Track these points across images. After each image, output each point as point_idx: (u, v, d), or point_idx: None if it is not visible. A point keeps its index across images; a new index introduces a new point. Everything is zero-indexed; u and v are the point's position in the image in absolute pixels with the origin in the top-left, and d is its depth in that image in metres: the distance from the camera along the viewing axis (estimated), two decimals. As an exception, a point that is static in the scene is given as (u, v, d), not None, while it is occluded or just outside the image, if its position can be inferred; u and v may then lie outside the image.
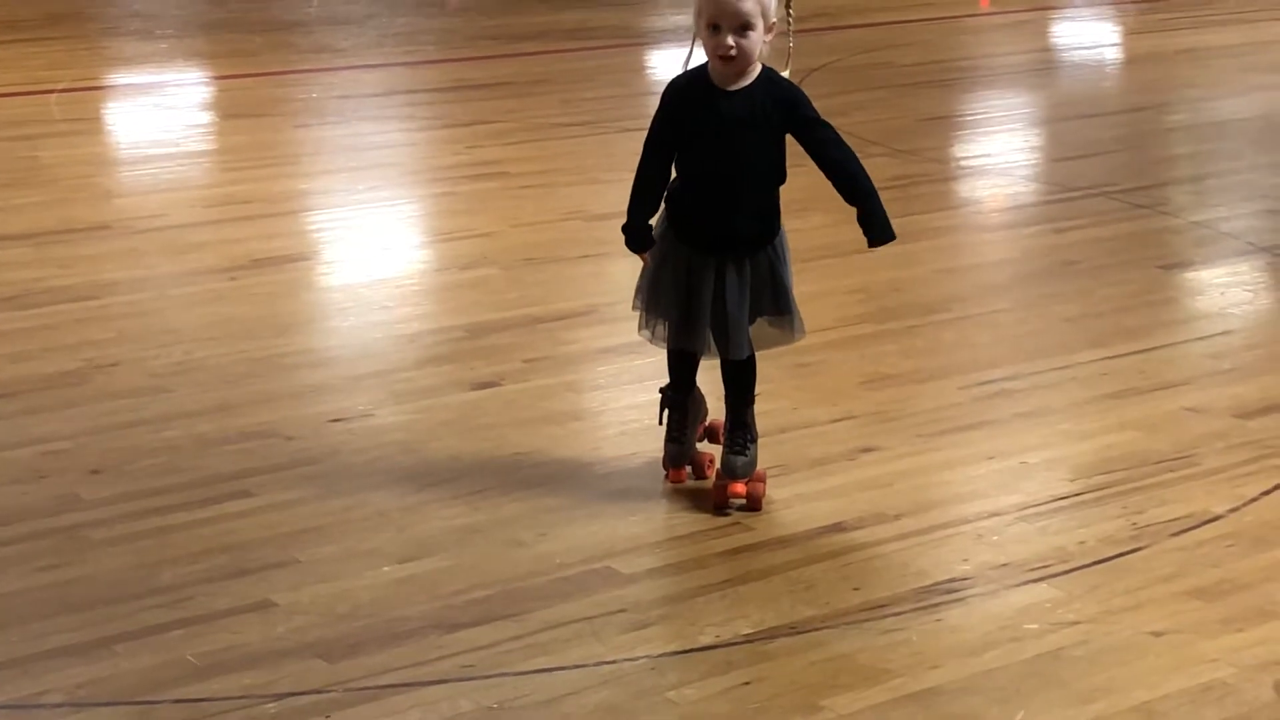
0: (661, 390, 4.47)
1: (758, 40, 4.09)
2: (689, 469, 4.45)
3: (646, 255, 4.26)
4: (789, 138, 4.21)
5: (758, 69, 4.16)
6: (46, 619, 3.75)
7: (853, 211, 4.26)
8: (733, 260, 4.22)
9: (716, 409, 4.48)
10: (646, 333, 4.39)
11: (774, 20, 4.12)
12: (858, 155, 4.24)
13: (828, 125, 4.21)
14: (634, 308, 4.39)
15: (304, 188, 7.67)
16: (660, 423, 4.46)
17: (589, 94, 9.61)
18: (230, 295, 6.02)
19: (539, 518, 4.24)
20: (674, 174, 4.26)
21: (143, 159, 8.25)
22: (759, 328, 4.32)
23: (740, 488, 4.29)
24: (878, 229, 4.22)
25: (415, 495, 4.38)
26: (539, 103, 9.34)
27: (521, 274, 6.25)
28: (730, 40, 4.06)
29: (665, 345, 4.39)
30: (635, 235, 4.24)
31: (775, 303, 4.30)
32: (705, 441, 4.54)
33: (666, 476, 4.45)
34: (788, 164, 4.22)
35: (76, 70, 10.19)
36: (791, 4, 4.19)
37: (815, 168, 4.24)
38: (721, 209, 4.19)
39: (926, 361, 5.36)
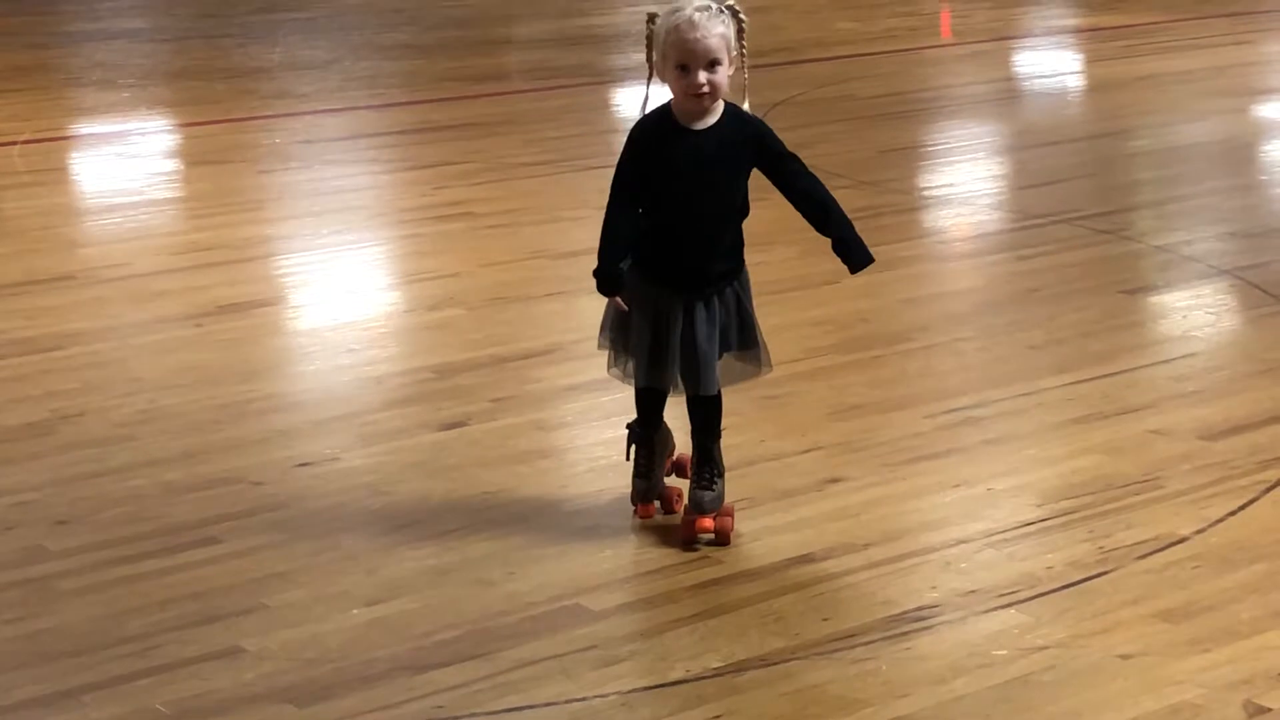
0: (629, 426, 4.47)
1: (725, 74, 4.11)
2: (657, 504, 4.45)
3: (618, 299, 4.24)
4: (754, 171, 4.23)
5: (721, 105, 4.17)
6: (14, 671, 3.74)
7: (819, 242, 4.27)
8: (701, 297, 4.22)
9: (684, 443, 4.49)
10: (616, 370, 4.39)
11: (733, 53, 4.14)
12: (825, 185, 4.25)
13: (795, 157, 4.23)
14: (600, 346, 4.39)
15: (268, 233, 7.67)
16: (628, 458, 4.46)
17: (553, 133, 9.63)
18: (196, 342, 6.01)
19: (508, 556, 4.24)
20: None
21: (107, 208, 8.23)
22: (726, 363, 4.33)
23: (708, 522, 4.28)
24: (856, 255, 4.22)
25: (384, 537, 4.37)
26: (503, 143, 9.35)
27: (488, 314, 6.26)
28: (702, 78, 4.07)
29: (634, 383, 4.40)
30: (606, 279, 4.19)
31: (742, 338, 4.32)
32: (673, 476, 4.54)
33: (635, 512, 4.45)
34: (750, 198, 4.24)
35: (39, 121, 10.17)
36: (745, 36, 4.19)
37: (780, 201, 4.25)
38: (694, 248, 4.20)
39: (892, 391, 5.38)
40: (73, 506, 4.60)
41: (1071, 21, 14.02)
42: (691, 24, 4.06)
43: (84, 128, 10.45)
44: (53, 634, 3.90)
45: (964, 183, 8.42)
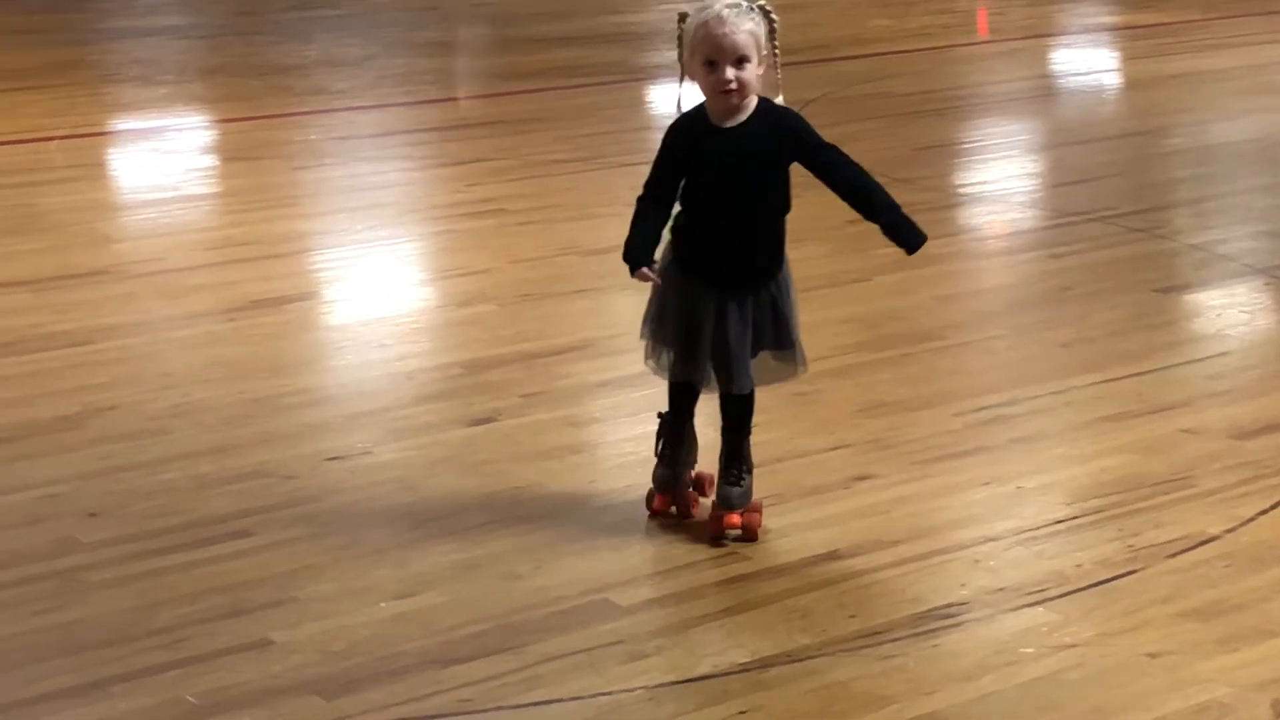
0: (660, 415, 4.46)
1: (754, 71, 4.10)
2: (673, 503, 4.40)
3: (648, 272, 4.14)
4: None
5: (754, 101, 4.16)
6: (44, 662, 3.76)
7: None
8: (735, 296, 4.21)
9: (712, 441, 4.47)
10: (651, 362, 4.39)
11: (764, 52, 4.14)
12: (865, 170, 4.23)
13: (832, 147, 4.21)
14: (641, 336, 4.39)
15: (302, 229, 7.70)
16: (656, 451, 4.45)
17: (585, 130, 9.64)
18: (228, 337, 6.04)
19: (536, 551, 4.25)
20: (678, 209, 4.24)
21: (142, 204, 8.28)
22: (761, 362, 4.31)
23: (736, 518, 4.28)
24: (908, 235, 4.17)
25: (412, 532, 4.38)
26: (536, 140, 9.37)
27: (519, 310, 6.27)
28: (730, 74, 4.07)
29: (668, 376, 4.39)
30: (631, 253, 4.13)
31: (778, 338, 4.29)
32: (689, 489, 4.47)
33: (650, 504, 4.41)
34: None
35: (76, 117, 10.22)
36: (777, 35, 4.19)
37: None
38: (733, 245, 4.19)
39: (922, 389, 5.37)
40: (104, 499, 4.62)
41: (1107, 19, 13.97)
42: (720, 20, 4.06)
43: (120, 124, 10.50)
44: (83, 625, 3.92)
45: (998, 180, 8.40)
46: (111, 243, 7.45)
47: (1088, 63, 12.38)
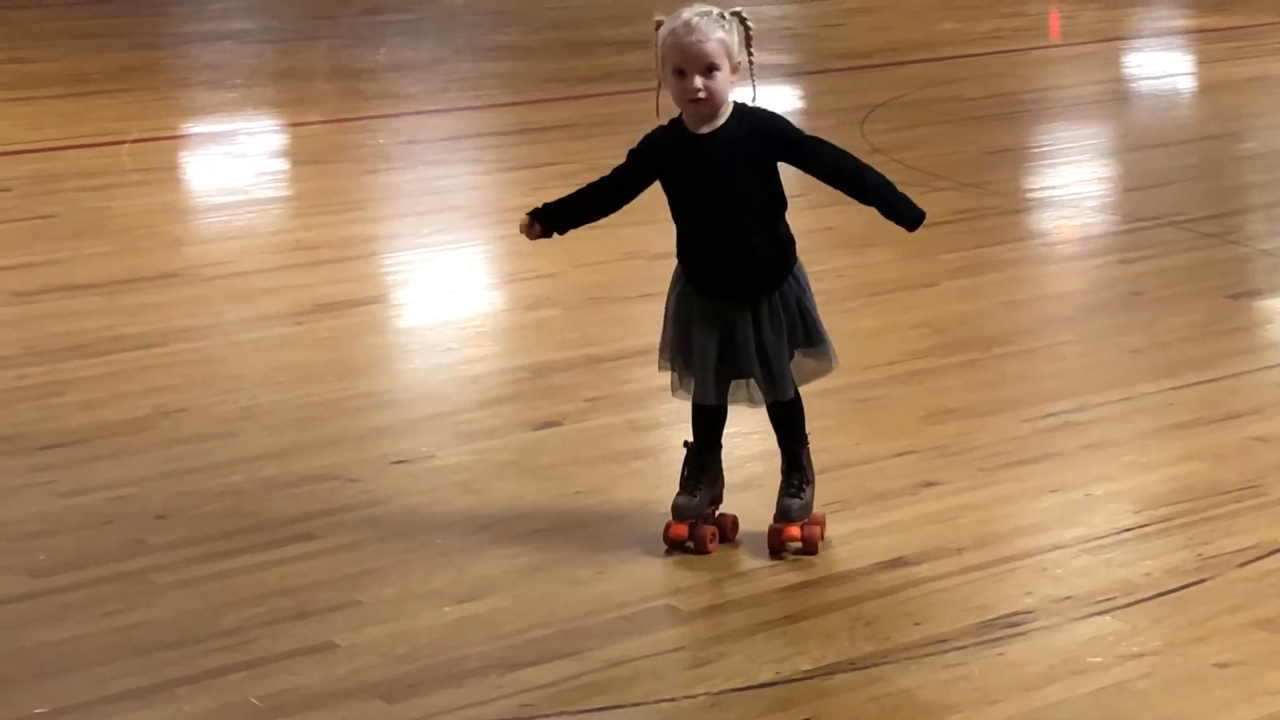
0: (686, 444, 4.37)
1: (725, 80, 4.06)
2: (689, 536, 4.24)
3: (534, 227, 4.33)
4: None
5: (730, 107, 4.13)
6: (111, 663, 3.78)
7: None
8: (763, 301, 4.16)
9: (767, 452, 4.44)
10: (683, 392, 4.32)
11: (739, 60, 4.09)
12: (852, 154, 4.18)
13: (816, 139, 4.17)
14: (660, 368, 4.34)
15: (370, 232, 7.73)
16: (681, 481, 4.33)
17: (653, 134, 9.62)
18: (296, 340, 6.07)
19: (599, 556, 4.24)
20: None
21: (212, 207, 8.33)
22: (797, 361, 4.25)
23: (795, 531, 4.22)
24: (905, 213, 4.11)
25: (476, 535, 4.39)
26: (604, 144, 9.34)
27: (584, 314, 6.27)
28: (698, 82, 4.04)
29: (694, 399, 4.30)
30: (542, 208, 4.31)
31: (808, 335, 4.24)
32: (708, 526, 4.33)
33: (666, 534, 4.25)
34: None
35: (147, 121, 10.30)
36: (753, 43, 4.13)
37: (862, 203, 4.21)
38: (730, 252, 4.15)
39: (990, 394, 5.33)
40: (171, 501, 4.65)
41: (1180, 23, 13.84)
42: (688, 28, 4.03)
43: (191, 127, 10.58)
44: (149, 627, 3.95)
45: (1068, 185, 8.33)
46: (182, 246, 7.51)
47: (1160, 66, 12.27)
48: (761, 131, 4.13)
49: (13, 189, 8.46)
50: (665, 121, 4.22)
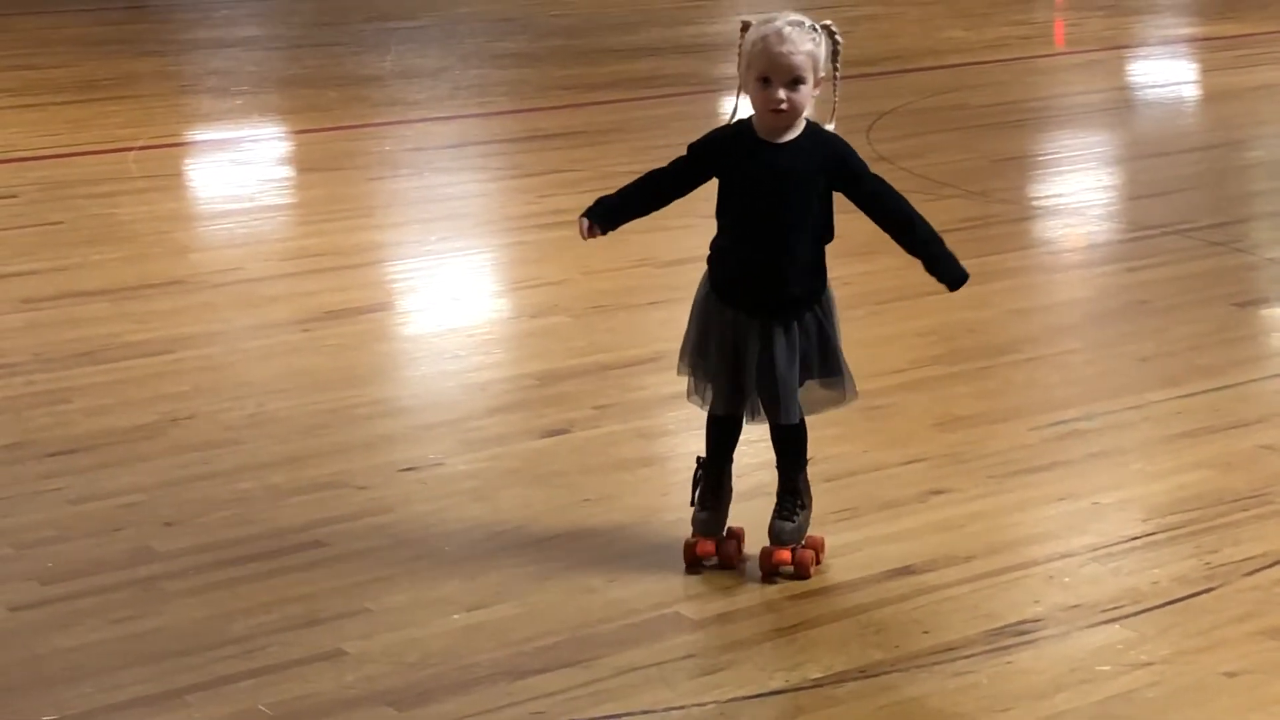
0: (698, 460, 4.33)
1: (808, 94, 4.01)
2: (717, 551, 4.21)
3: (593, 226, 4.20)
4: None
5: (803, 123, 4.08)
6: (121, 670, 3.79)
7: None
8: (780, 322, 4.11)
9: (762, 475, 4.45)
10: (697, 398, 4.29)
11: (823, 74, 4.06)
12: (910, 202, 4.13)
13: (877, 177, 4.13)
14: (679, 373, 4.33)
15: (377, 239, 7.74)
16: (693, 502, 4.29)
17: (660, 142, 9.61)
18: (303, 347, 6.08)
19: (608, 564, 4.25)
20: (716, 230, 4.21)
21: (219, 214, 8.34)
22: (809, 390, 4.20)
23: (786, 554, 4.16)
24: (949, 272, 4.08)
25: (485, 543, 4.40)
26: (610, 151, 9.37)
27: (592, 321, 6.28)
28: (781, 94, 3.98)
29: (709, 409, 4.28)
30: (597, 206, 4.20)
31: (825, 365, 4.18)
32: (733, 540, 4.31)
33: (690, 551, 4.22)
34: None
35: (154, 128, 10.31)
36: (840, 57, 4.12)
37: (906, 251, 4.16)
38: (769, 267, 4.09)
39: (998, 403, 5.33)
40: (180, 508, 4.66)
41: (1186, 30, 13.85)
42: (780, 37, 3.97)
43: (198, 134, 10.59)
44: (159, 634, 3.95)
45: (1074, 193, 8.34)
46: (189, 253, 7.51)
47: (1166, 74, 12.28)
48: (830, 157, 4.07)
49: (20, 195, 8.47)
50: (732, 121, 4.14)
